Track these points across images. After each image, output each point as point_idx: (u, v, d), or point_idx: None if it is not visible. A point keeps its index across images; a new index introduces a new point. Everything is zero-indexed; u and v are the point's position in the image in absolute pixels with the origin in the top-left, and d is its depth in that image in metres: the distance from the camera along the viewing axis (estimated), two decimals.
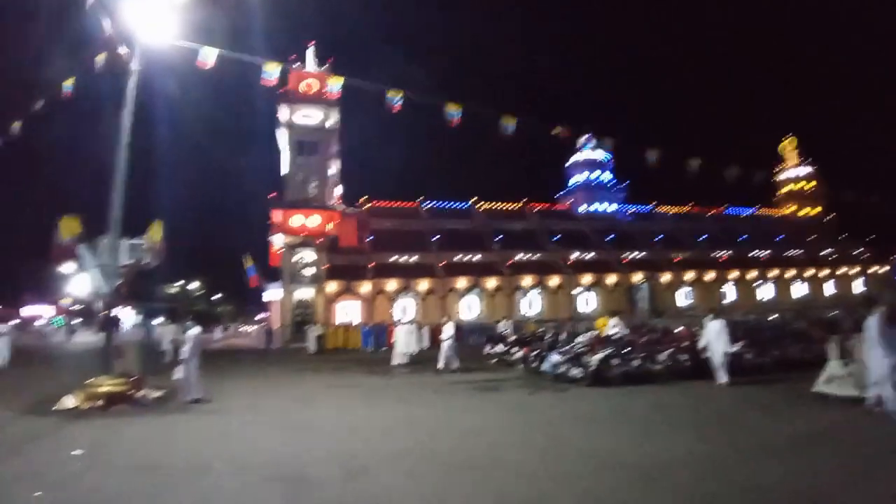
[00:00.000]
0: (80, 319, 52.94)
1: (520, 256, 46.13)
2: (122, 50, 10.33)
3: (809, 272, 53.59)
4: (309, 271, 40.72)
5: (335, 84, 12.22)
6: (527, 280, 44.10)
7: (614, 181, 55.63)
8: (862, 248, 58.13)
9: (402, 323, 18.00)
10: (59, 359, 22.40)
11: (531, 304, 44.40)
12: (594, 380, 10.88)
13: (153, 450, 6.36)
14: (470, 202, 51.27)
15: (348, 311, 40.57)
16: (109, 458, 5.96)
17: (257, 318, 67.47)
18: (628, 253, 49.24)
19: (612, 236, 50.81)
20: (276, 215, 39.72)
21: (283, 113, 41.08)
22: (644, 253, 49.92)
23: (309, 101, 41.59)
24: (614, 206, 54.90)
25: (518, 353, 14.07)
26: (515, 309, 43.18)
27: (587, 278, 45.72)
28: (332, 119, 41.84)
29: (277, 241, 39.97)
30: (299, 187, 41.17)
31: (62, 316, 56.99)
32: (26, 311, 62.86)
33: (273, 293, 42.27)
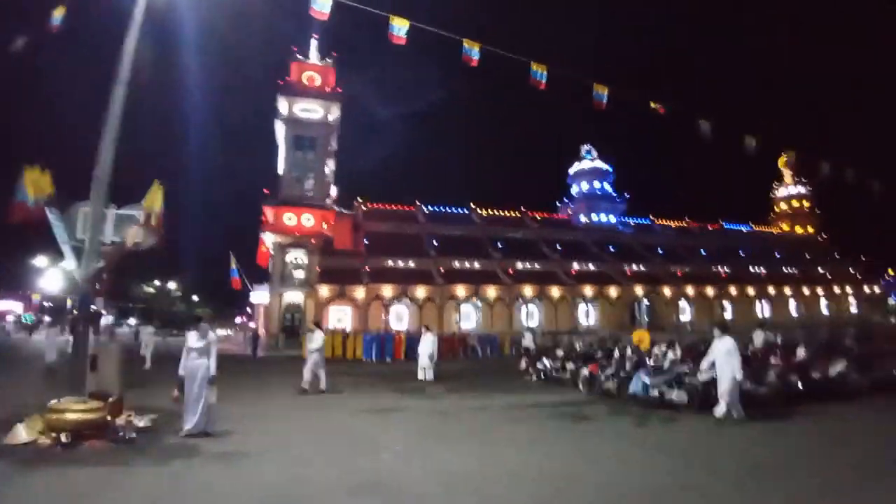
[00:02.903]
0: (49, 318, 49.37)
1: (520, 265, 44.39)
2: None
3: (805, 290, 53.00)
4: (300, 273, 38.37)
5: (400, 28, 10.06)
6: (527, 290, 42.33)
7: (615, 192, 54.43)
8: (853, 269, 57.94)
9: (427, 332, 15.94)
10: (12, 362, 19.71)
11: (530, 315, 42.63)
12: (702, 404, 9.07)
13: None
14: (468, 208, 49.44)
15: (340, 317, 38.29)
16: None
17: (237, 321, 64.51)
18: (629, 265, 47.98)
19: (612, 248, 49.53)
20: (269, 212, 37.39)
21: (283, 105, 38.84)
22: (645, 266, 48.76)
23: (310, 95, 39.45)
24: (614, 218, 53.65)
25: (582, 371, 12.15)
26: (515, 320, 41.45)
27: (588, 290, 44.18)
28: (333, 114, 39.78)
29: (268, 239, 37.60)
30: (294, 184, 38.92)
31: (31, 313, 53.18)
32: None
33: (260, 295, 39.80)
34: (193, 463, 5.86)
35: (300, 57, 40.39)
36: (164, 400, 9.40)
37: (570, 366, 13.36)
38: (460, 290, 40.64)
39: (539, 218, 51.78)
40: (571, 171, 55.89)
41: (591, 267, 46.93)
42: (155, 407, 8.75)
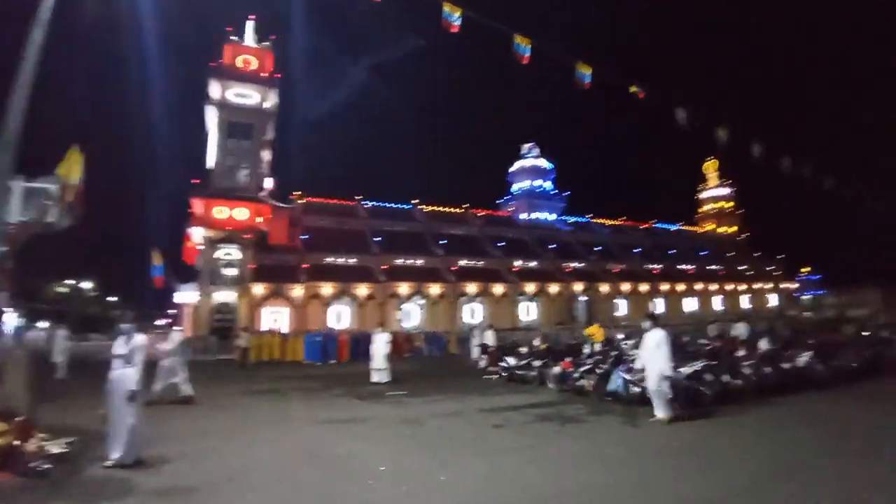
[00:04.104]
0: None
1: (463, 262, 43.86)
2: None
3: (729, 286, 55.90)
4: (231, 271, 35.90)
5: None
6: (471, 287, 41.83)
7: (555, 191, 55.13)
8: (773, 266, 61.79)
9: (380, 332, 14.85)
10: None
11: (473, 312, 42.21)
12: (685, 400, 8.67)
13: None
14: (411, 204, 48.37)
15: (276, 317, 36.17)
16: None
17: (158, 323, 59.92)
18: (569, 263, 48.65)
19: (552, 246, 50.06)
20: (198, 205, 34.63)
21: (215, 89, 36.05)
22: (583, 263, 49.61)
23: (245, 79, 36.90)
24: (554, 216, 54.34)
25: (553, 369, 11.52)
26: (458, 317, 40.89)
27: (530, 287, 44.32)
28: (270, 101, 37.44)
29: (197, 234, 34.85)
30: (227, 175, 36.34)
31: None
32: None
33: (187, 295, 36.84)
34: None
35: (235, 39, 37.75)
36: (82, 417, 7.88)
37: (536, 363, 12.74)
38: (403, 288, 39.52)
39: (481, 215, 51.52)
40: (512, 168, 56.08)
41: (533, 264, 47.17)
42: (72, 427, 7.23)
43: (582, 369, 10.71)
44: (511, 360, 13.63)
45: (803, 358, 11.34)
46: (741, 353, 11.93)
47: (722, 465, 5.57)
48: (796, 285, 59.90)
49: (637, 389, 9.40)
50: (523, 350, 14.15)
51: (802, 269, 64.37)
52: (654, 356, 8.05)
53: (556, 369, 11.46)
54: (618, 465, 5.65)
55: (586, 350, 12.24)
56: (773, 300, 58.56)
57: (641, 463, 5.73)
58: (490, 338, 17.71)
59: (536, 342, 16.26)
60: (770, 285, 58.69)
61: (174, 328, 12.49)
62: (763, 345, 12.40)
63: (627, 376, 9.53)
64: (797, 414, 8.59)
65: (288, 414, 9.47)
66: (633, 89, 11.49)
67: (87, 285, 53.82)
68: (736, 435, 7.06)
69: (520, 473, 5.39)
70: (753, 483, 4.94)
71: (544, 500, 4.53)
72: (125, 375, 5.91)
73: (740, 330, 14.57)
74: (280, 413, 9.61)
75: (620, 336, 11.83)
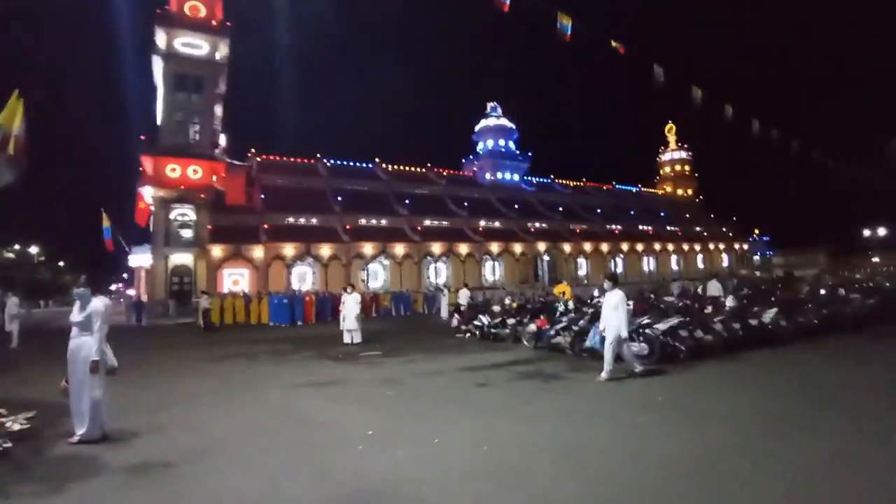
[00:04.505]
0: None
1: (428, 222, 43.49)
2: None
3: (685, 247, 57.68)
4: (187, 232, 34.47)
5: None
6: (436, 247, 41.63)
7: (518, 151, 54.88)
8: (726, 228, 63.97)
9: (350, 292, 14.48)
10: None
11: (438, 272, 42.19)
12: (661, 356, 8.82)
13: None
14: (373, 163, 47.29)
15: (237, 279, 35.19)
16: None
17: (113, 288, 57.49)
18: (532, 223, 48.96)
19: (516, 206, 50.17)
20: (148, 163, 32.79)
21: (161, 38, 33.58)
22: (546, 224, 50.03)
23: (193, 28, 34.49)
24: (517, 177, 54.28)
25: (529, 326, 11.50)
26: (423, 277, 40.81)
27: (495, 247, 44.48)
28: (221, 52, 35.26)
29: (148, 194, 33.11)
30: (177, 131, 34.45)
31: None
32: None
33: (141, 258, 35.38)
34: (99, 485, 4.17)
35: None
36: (40, 389, 7.35)
37: (510, 321, 12.71)
38: (367, 248, 38.94)
39: (445, 175, 50.94)
40: (477, 127, 55.35)
41: (497, 224, 47.25)
42: (30, 401, 6.71)
43: (558, 326, 10.71)
44: (485, 319, 13.58)
45: (769, 315, 11.67)
46: (708, 309, 12.24)
47: (712, 419, 5.58)
48: (747, 246, 62.30)
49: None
50: (496, 309, 14.11)
51: (756, 231, 66.87)
52: (612, 316, 7.94)
53: (532, 327, 11.46)
54: (610, 421, 5.60)
55: (560, 308, 12.25)
56: (725, 260, 60.86)
57: (632, 418, 5.69)
58: (463, 297, 17.61)
59: (508, 300, 16.29)
60: (723, 246, 60.84)
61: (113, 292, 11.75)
62: (729, 302, 12.71)
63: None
64: (770, 368, 8.83)
65: (261, 379, 9.10)
66: (614, 44, 11.15)
67: (34, 250, 50.83)
68: (716, 389, 7.16)
69: (514, 433, 5.26)
70: (746, 437, 4.95)
71: (548, 461, 4.40)
72: (84, 344, 5.39)
73: (714, 287, 14.91)
74: (252, 378, 9.22)
75: (595, 293, 11.88)
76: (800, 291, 18.30)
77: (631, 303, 10.50)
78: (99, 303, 5.59)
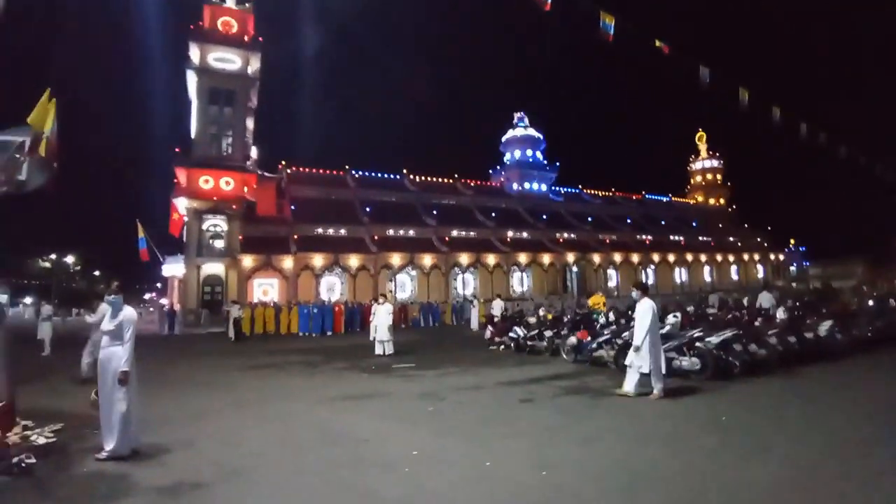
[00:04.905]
0: None
1: (456, 233, 43.19)
2: None
3: (718, 257, 56.06)
4: (219, 242, 34.88)
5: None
6: (463, 258, 41.26)
7: (546, 161, 54.35)
8: (760, 238, 62.04)
9: (382, 303, 14.22)
10: None
11: (466, 283, 41.79)
12: (715, 371, 8.28)
13: None
14: (401, 174, 47.35)
15: (266, 289, 35.41)
16: None
17: (147, 297, 58.68)
18: (560, 233, 48.23)
19: (544, 216, 49.54)
20: (182, 175, 33.36)
21: (195, 53, 34.33)
22: (575, 234, 49.24)
23: (226, 43, 35.17)
24: (545, 187, 53.70)
25: (569, 339, 11.03)
26: (451, 288, 40.46)
27: (522, 257, 43.88)
28: (253, 66, 35.85)
29: (182, 205, 33.61)
30: (210, 144, 35.04)
31: None
32: None
33: (174, 267, 35.90)
34: None
35: (215, 0, 35.86)
36: (69, 399, 7.19)
37: (547, 333, 12.24)
38: (395, 259, 38.81)
39: (472, 185, 50.68)
40: (504, 138, 55.05)
41: (525, 235, 46.66)
42: (58, 412, 6.55)
43: (600, 339, 10.22)
44: (520, 331, 13.13)
45: (824, 327, 10.99)
46: (758, 322, 11.58)
47: (788, 441, 5.10)
48: (783, 257, 60.27)
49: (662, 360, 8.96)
50: (532, 320, 13.65)
51: (791, 241, 64.73)
52: (638, 326, 7.46)
53: (572, 340, 10.98)
54: (675, 443, 5.14)
55: (601, 320, 11.75)
56: (760, 271, 58.95)
57: (699, 440, 5.23)
58: (497, 308, 17.18)
59: (542, 312, 15.81)
60: (758, 257, 58.97)
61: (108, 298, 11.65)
62: (780, 314, 12.02)
63: None
64: (835, 384, 8.29)
65: (293, 390, 8.86)
66: (658, 43, 10.74)
67: (70, 259, 52.21)
68: (783, 409, 6.62)
69: (570, 456, 4.84)
70: (836, 459, 4.44)
71: (616, 490, 3.97)
72: (114, 354, 5.18)
73: (766, 298, 14.20)
74: (285, 390, 8.98)
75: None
76: (849, 303, 17.39)
77: (678, 314, 9.97)
78: (131, 311, 5.40)
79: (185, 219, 34.15)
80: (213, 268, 34.52)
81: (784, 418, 6.11)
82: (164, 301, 42.60)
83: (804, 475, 4.15)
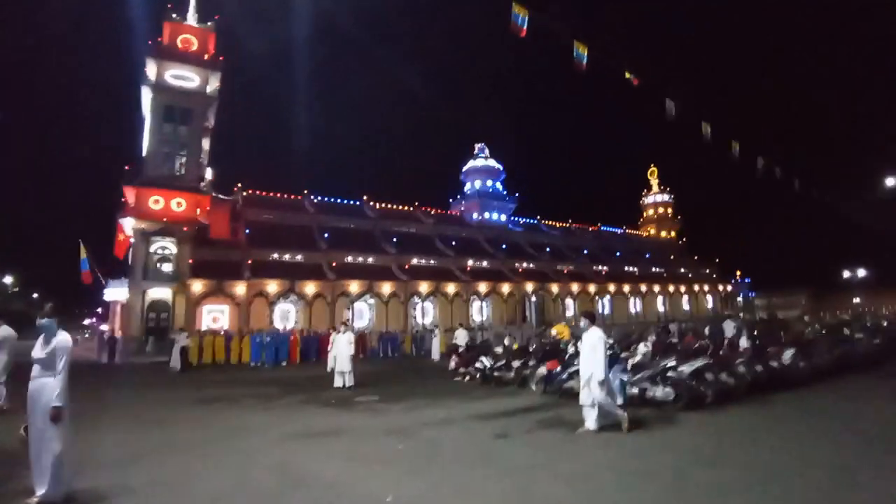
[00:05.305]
0: None
1: (416, 261, 42.81)
2: None
3: (671, 288, 57.69)
4: (167, 266, 33.22)
5: None
6: (423, 286, 40.81)
7: (505, 192, 55.08)
8: (708, 270, 64.37)
9: (343, 331, 13.62)
10: None
11: (425, 311, 41.29)
12: (689, 401, 8.16)
13: None
14: (361, 200, 46.88)
15: (217, 316, 33.83)
16: None
17: (86, 322, 55.13)
18: (520, 263, 48.59)
19: (504, 246, 49.88)
20: (131, 194, 31.84)
21: (151, 70, 33.17)
22: (533, 264, 49.71)
23: (185, 60, 34.22)
24: (504, 217, 54.26)
25: (539, 370, 10.75)
26: (410, 317, 39.83)
27: (482, 287, 43.82)
28: (212, 85, 34.94)
29: (129, 226, 32.00)
30: (163, 163, 33.66)
31: None
32: None
33: (117, 291, 33.86)
34: None
35: (175, 17, 34.98)
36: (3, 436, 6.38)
37: (516, 363, 11.94)
38: (353, 286, 37.96)
39: (433, 213, 50.62)
40: (465, 168, 55.58)
41: (485, 264, 46.73)
42: None
43: (570, 370, 9.98)
44: (487, 361, 12.78)
45: (787, 355, 11.17)
46: (722, 351, 11.67)
47: (780, 473, 4.91)
48: (730, 288, 62.64)
49: (635, 390, 8.82)
50: (499, 350, 13.34)
51: (735, 273, 67.47)
52: (589, 358, 7.01)
53: (542, 370, 10.71)
54: (669, 481, 4.86)
55: (570, 350, 11.56)
56: (710, 302, 60.99)
57: (696, 476, 4.97)
58: (461, 337, 16.78)
59: (507, 341, 15.54)
60: (707, 287, 61.05)
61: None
62: (744, 343, 12.17)
63: (624, 377, 8.89)
64: (807, 411, 8.39)
65: (248, 427, 8.13)
66: (627, 75, 10.93)
67: (8, 280, 48.62)
68: (767, 438, 6.52)
69: (555, 498, 4.48)
70: (823, 495, 4.26)
71: None
72: (45, 386, 4.53)
73: (730, 328, 14.41)
74: (238, 427, 8.24)
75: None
76: (802, 332, 17.95)
77: (649, 344, 9.90)
78: (66, 337, 4.78)
79: (132, 240, 32.50)
80: (160, 293, 32.75)
81: (770, 448, 5.97)
82: (104, 327, 40.13)
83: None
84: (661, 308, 56.15)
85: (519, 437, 6.91)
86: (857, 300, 61.79)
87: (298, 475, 5.36)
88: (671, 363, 8.65)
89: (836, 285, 63.28)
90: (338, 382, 12.84)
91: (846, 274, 57.47)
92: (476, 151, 55.73)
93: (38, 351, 4.66)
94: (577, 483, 4.87)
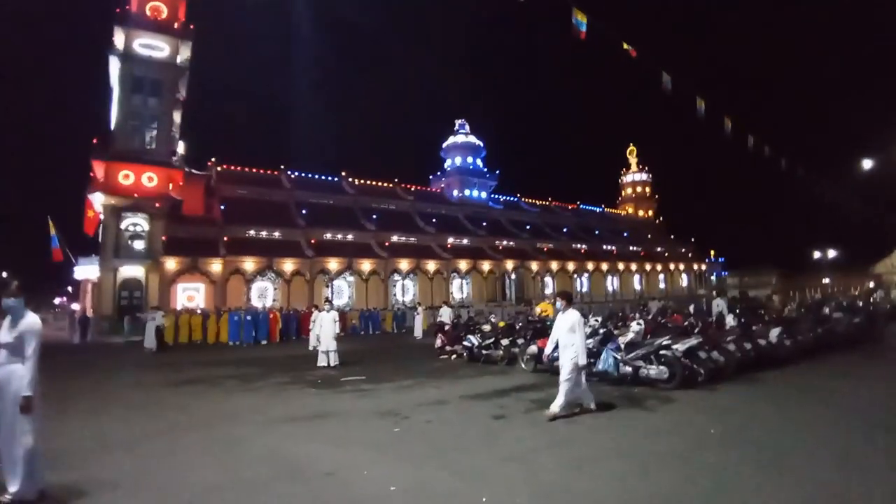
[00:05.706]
0: None
1: (396, 238, 42.38)
2: None
3: (648, 267, 58.47)
4: (140, 243, 32.18)
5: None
6: (403, 264, 40.48)
7: (486, 169, 54.65)
8: (684, 249, 65.34)
9: (327, 309, 13.28)
10: None
11: (405, 289, 41.06)
12: (682, 380, 8.12)
13: None
14: (340, 176, 46.01)
15: (192, 294, 33.07)
16: None
17: (56, 301, 53.44)
18: (500, 241, 48.53)
19: (484, 223, 49.71)
20: (99, 169, 30.56)
21: (119, 38, 31.56)
22: (514, 242, 49.72)
23: (154, 29, 32.64)
24: (485, 194, 53.96)
25: (529, 348, 10.61)
26: (390, 294, 39.60)
27: (463, 264, 43.69)
28: (183, 55, 33.48)
29: (98, 201, 30.78)
30: (132, 136, 32.38)
31: None
32: None
33: (88, 270, 32.82)
34: None
35: None
36: None
37: (504, 342, 11.79)
38: (332, 264, 37.43)
39: (413, 190, 50.05)
40: (445, 144, 54.85)
41: (465, 242, 46.54)
42: None
43: None
44: (474, 339, 12.61)
45: (774, 333, 11.25)
46: (710, 330, 11.69)
47: (790, 452, 4.84)
48: (705, 267, 63.76)
49: (628, 369, 8.73)
50: (487, 328, 13.17)
51: (712, 252, 68.65)
52: (568, 341, 6.74)
53: (533, 348, 10.57)
54: (681, 463, 4.73)
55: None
56: (684, 280, 62.08)
57: (703, 458, 4.86)
58: (446, 315, 16.59)
59: (494, 318, 15.40)
60: (682, 266, 62.04)
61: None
62: (730, 321, 12.22)
63: (618, 355, 8.81)
64: (798, 389, 8.47)
65: (233, 412, 7.78)
66: (625, 46, 10.63)
67: None
68: (768, 417, 6.51)
69: (573, 484, 4.30)
70: (857, 470, 4.17)
71: None
72: (13, 374, 4.13)
73: (720, 305, 14.47)
74: (222, 411, 7.89)
75: (590, 315, 11.27)
76: (780, 311, 18.22)
77: (642, 322, 9.81)
78: (35, 319, 4.36)
79: (102, 217, 31.32)
80: (132, 271, 31.77)
81: (774, 428, 5.91)
82: (75, 306, 38.94)
83: (833, 487, 3.82)
84: (637, 286, 56.94)
85: (517, 419, 6.74)
86: (826, 280, 63.53)
87: (291, 464, 5.07)
88: (666, 342, 8.56)
89: (807, 266, 64.97)
90: (322, 362, 12.55)
91: (816, 255, 58.90)
92: (457, 127, 54.99)
93: (3, 335, 4.25)
94: (587, 467, 4.70)
